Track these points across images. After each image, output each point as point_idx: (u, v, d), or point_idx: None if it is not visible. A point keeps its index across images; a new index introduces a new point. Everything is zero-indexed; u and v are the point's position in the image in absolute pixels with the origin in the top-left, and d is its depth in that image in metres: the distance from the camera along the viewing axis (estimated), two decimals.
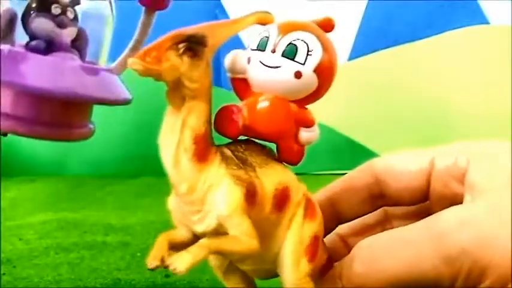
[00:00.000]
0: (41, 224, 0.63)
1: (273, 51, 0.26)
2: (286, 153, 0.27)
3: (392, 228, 0.31)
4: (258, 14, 0.27)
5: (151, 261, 0.23)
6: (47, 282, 0.45)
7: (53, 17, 0.28)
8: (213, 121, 0.26)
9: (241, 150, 0.26)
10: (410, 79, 1.06)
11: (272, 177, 0.26)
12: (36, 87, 0.26)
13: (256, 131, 0.26)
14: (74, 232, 0.60)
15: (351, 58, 1.05)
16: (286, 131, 0.26)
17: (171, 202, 0.26)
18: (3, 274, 0.46)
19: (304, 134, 0.27)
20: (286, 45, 0.26)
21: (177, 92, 0.24)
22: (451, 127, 1.04)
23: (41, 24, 0.28)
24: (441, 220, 0.25)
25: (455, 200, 0.26)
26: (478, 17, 1.05)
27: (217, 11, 1.01)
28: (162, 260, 0.23)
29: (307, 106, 0.27)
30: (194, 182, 0.24)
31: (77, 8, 0.30)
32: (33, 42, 0.28)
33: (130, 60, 0.23)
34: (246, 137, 0.27)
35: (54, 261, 0.50)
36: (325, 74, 0.26)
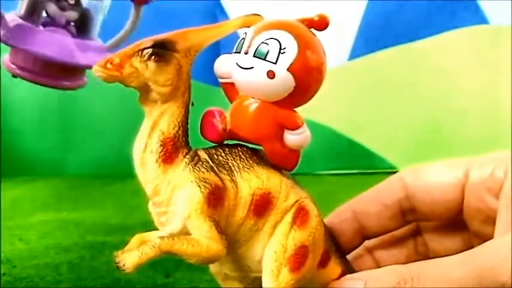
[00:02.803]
0: (41, 224, 0.63)
1: (246, 52, 0.25)
2: (274, 156, 0.26)
3: (424, 243, 0.30)
4: (245, 17, 0.27)
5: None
6: (47, 282, 0.45)
7: (57, 2, 0.39)
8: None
9: (223, 154, 0.26)
10: (410, 79, 1.06)
11: (252, 182, 0.26)
12: (31, 50, 0.38)
13: (238, 135, 0.26)
14: (74, 232, 0.60)
15: (351, 58, 1.05)
16: (269, 134, 0.26)
17: (149, 204, 0.26)
18: (3, 274, 0.46)
19: (290, 137, 0.26)
20: (258, 45, 0.25)
21: (148, 96, 0.25)
22: (451, 127, 1.04)
23: (49, 7, 0.39)
24: (482, 256, 0.23)
25: (491, 215, 0.25)
26: (478, 17, 1.05)
27: (217, 11, 1.01)
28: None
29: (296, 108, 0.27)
30: (159, 184, 0.25)
31: None
32: (44, 19, 0.39)
33: (93, 68, 0.24)
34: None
35: (54, 261, 0.50)
36: (301, 72, 0.25)
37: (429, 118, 1.05)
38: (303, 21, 0.26)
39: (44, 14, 0.40)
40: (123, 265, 0.23)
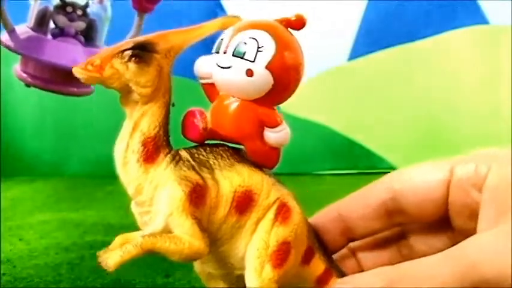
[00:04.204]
0: (41, 224, 0.63)
1: (225, 52, 0.26)
2: (255, 155, 0.26)
3: (408, 245, 0.30)
4: (224, 19, 0.27)
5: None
6: (47, 282, 0.45)
7: (66, 14, 0.41)
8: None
9: (204, 153, 0.26)
10: (410, 79, 1.06)
11: (233, 179, 0.26)
12: (45, 60, 0.40)
13: (219, 134, 0.27)
14: (74, 232, 0.60)
15: (350, 58, 1.05)
16: (249, 132, 0.26)
17: (132, 205, 0.27)
18: (3, 274, 0.46)
19: (270, 135, 0.26)
20: (236, 44, 0.25)
21: (129, 97, 0.26)
22: (451, 127, 1.04)
23: (59, 18, 0.41)
24: (465, 253, 0.23)
25: (477, 210, 0.25)
26: (478, 17, 1.05)
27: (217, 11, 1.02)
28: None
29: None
30: (141, 183, 0.25)
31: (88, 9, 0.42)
32: (52, 30, 0.41)
33: (74, 69, 0.25)
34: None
35: (54, 261, 0.50)
36: (279, 70, 0.25)
37: (429, 118, 1.05)
38: (280, 21, 0.27)
39: (53, 25, 0.42)
40: (105, 264, 0.23)
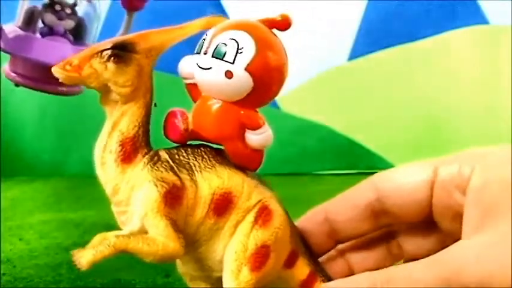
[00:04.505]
0: (41, 224, 0.63)
1: (205, 52, 0.26)
2: (236, 156, 0.26)
3: (398, 245, 0.29)
4: (208, 19, 0.27)
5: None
6: (47, 282, 0.45)
7: (55, 12, 0.40)
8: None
9: (185, 153, 0.26)
10: (410, 79, 1.06)
11: (212, 181, 0.26)
12: (34, 59, 0.38)
13: (200, 135, 0.27)
14: (74, 232, 0.60)
15: (350, 58, 1.05)
16: (230, 134, 0.26)
17: (112, 204, 0.27)
18: (3, 274, 0.46)
19: (252, 137, 0.26)
20: (216, 45, 0.25)
21: (108, 97, 0.26)
22: (451, 127, 1.04)
23: (47, 17, 0.40)
24: (449, 259, 0.23)
25: (460, 212, 0.25)
26: (478, 17, 1.05)
27: (214, 11, 1.01)
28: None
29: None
30: (118, 183, 0.26)
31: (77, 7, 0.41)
32: (41, 29, 0.40)
33: (53, 69, 0.25)
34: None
35: (54, 261, 0.50)
36: (260, 72, 0.25)
37: (429, 118, 1.05)
38: (264, 21, 0.26)
39: (41, 24, 0.41)
40: (79, 263, 0.23)
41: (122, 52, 0.25)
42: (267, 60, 0.25)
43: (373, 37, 1.05)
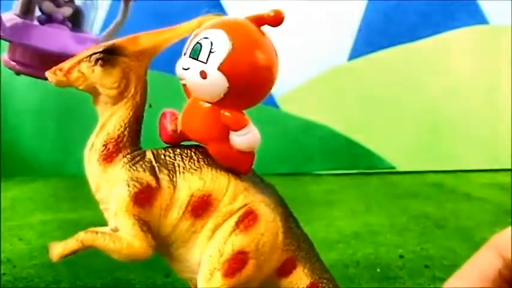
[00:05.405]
0: (41, 224, 0.63)
1: (185, 53, 0.26)
2: (220, 158, 0.26)
3: None
4: (200, 19, 0.27)
5: None
6: (47, 282, 0.45)
7: (53, 0, 0.40)
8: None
9: (173, 154, 0.27)
10: (410, 79, 1.06)
11: (192, 183, 0.26)
12: (34, 46, 0.38)
13: (187, 137, 0.27)
14: (74, 232, 0.59)
15: (350, 58, 1.05)
16: (213, 135, 0.26)
17: None
18: (3, 274, 0.46)
19: (235, 139, 0.26)
20: (193, 45, 0.25)
21: (99, 98, 0.27)
22: (451, 127, 1.04)
23: (45, 4, 0.40)
24: None
25: None
26: (478, 17, 1.05)
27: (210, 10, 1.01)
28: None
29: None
30: (99, 181, 0.26)
31: None
32: (39, 16, 0.40)
33: (46, 73, 0.27)
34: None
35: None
36: (234, 72, 0.24)
37: (428, 118, 1.05)
38: (252, 19, 0.26)
39: (39, 12, 0.42)
40: (51, 255, 0.25)
41: (108, 56, 0.26)
42: (243, 59, 0.24)
43: (373, 37, 1.05)
